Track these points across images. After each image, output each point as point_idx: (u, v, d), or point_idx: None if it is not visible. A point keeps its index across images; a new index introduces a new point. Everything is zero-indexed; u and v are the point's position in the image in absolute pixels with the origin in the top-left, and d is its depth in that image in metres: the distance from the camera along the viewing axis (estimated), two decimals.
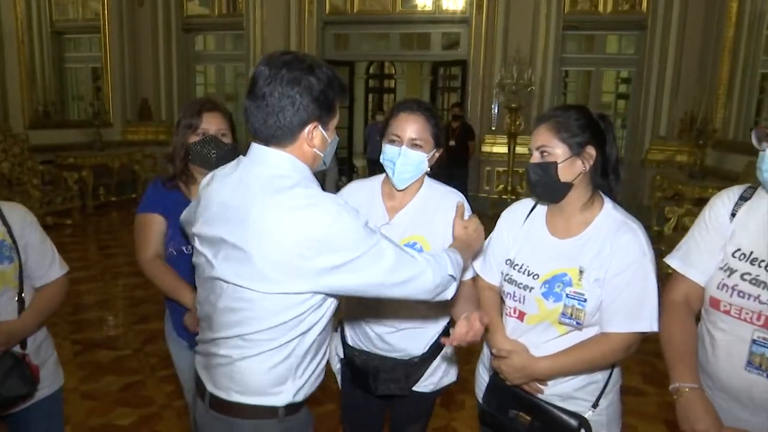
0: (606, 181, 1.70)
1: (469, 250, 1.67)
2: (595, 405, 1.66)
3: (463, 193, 7.82)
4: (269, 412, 1.44)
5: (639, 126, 9.12)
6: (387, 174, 1.90)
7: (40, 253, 2.00)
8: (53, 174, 8.33)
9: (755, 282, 1.41)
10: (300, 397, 1.48)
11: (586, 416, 1.64)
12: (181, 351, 2.29)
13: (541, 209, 1.80)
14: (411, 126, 1.83)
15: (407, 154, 1.83)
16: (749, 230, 1.48)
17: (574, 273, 1.61)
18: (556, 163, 1.62)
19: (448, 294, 1.48)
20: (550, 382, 1.67)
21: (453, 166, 9.04)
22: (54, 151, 8.55)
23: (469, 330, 1.49)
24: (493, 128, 9.49)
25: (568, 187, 1.64)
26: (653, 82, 8.83)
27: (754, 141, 1.42)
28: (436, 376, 1.99)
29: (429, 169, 1.89)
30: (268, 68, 1.35)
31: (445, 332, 1.95)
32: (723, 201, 1.57)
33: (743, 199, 1.54)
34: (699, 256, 1.57)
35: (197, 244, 1.49)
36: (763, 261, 1.42)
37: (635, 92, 9.42)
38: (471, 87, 9.58)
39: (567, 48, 9.61)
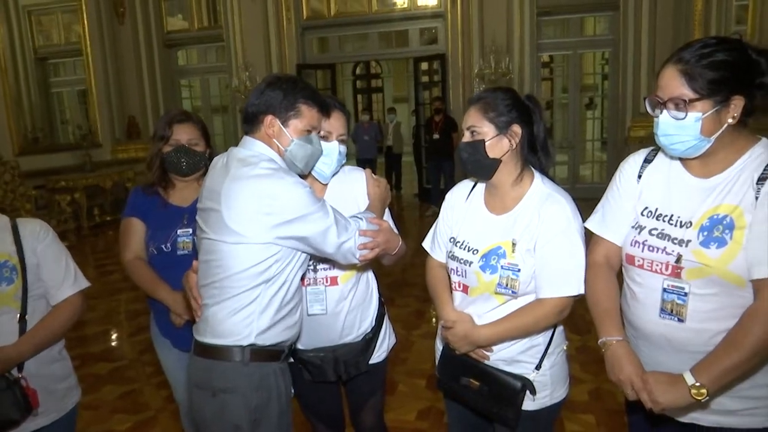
0: (536, 157, 1.82)
1: (383, 203, 2.02)
2: (538, 367, 1.77)
3: (450, 182, 7.96)
4: (236, 353, 1.68)
5: (619, 104, 9.23)
6: (312, 172, 1.95)
7: (50, 272, 1.97)
8: (46, 198, 8.49)
9: (661, 236, 1.52)
10: (262, 341, 1.69)
11: (529, 378, 1.75)
12: (166, 350, 2.42)
13: (480, 189, 1.91)
14: (338, 122, 1.95)
15: (341, 150, 1.96)
16: (653, 189, 1.60)
17: (508, 245, 1.73)
18: (483, 141, 1.74)
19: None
20: (495, 348, 1.78)
21: (439, 158, 9.17)
22: (45, 175, 8.71)
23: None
24: None
25: (496, 163, 1.75)
26: (630, 60, 8.96)
27: (648, 108, 1.53)
28: (385, 343, 2.14)
29: None
30: None
31: (381, 305, 2.13)
32: (630, 164, 1.69)
33: (647, 161, 1.65)
34: (613, 218, 1.68)
35: (197, 217, 1.79)
36: (666, 216, 1.53)
37: (613, 71, 9.53)
38: (452, 80, 9.70)
39: (543, 33, 9.73)
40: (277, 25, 10.09)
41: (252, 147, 1.74)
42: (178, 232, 2.31)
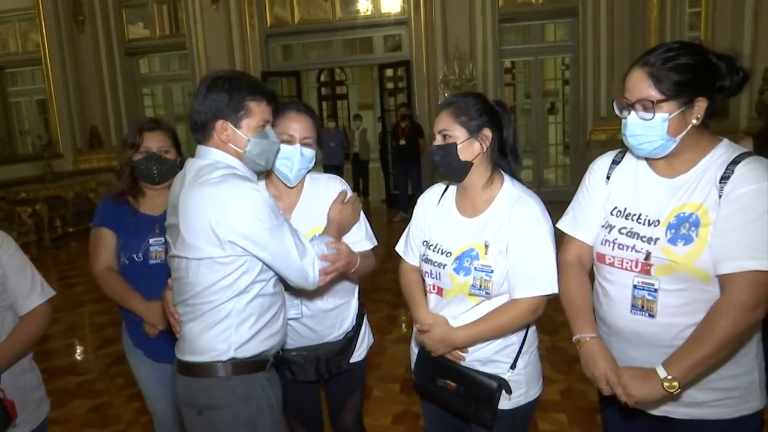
0: (506, 161, 1.87)
1: (341, 230, 1.96)
2: (513, 366, 1.81)
3: (417, 187, 8.03)
4: (216, 369, 1.64)
5: (580, 109, 9.44)
6: (277, 174, 1.98)
7: (17, 281, 1.93)
8: (6, 210, 8.27)
9: (630, 234, 1.58)
10: (242, 354, 1.64)
11: (505, 377, 1.79)
12: (139, 361, 2.40)
13: (451, 193, 1.94)
14: (301, 125, 1.96)
15: (304, 153, 1.96)
16: (622, 189, 1.66)
17: (481, 247, 1.76)
18: (455, 144, 1.77)
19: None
20: (470, 349, 1.81)
21: (406, 163, 9.24)
22: (4, 187, 8.48)
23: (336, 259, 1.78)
24: None
25: (468, 166, 1.79)
26: (590, 65, 9.19)
27: (617, 110, 1.59)
28: (365, 343, 2.18)
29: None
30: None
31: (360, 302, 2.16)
32: (599, 166, 1.75)
33: (615, 162, 1.71)
34: (584, 218, 1.74)
35: (166, 234, 1.74)
36: (635, 215, 1.59)
37: (574, 77, 9.75)
38: (417, 86, 9.80)
39: (505, 40, 9.89)
40: (241, 33, 10.05)
41: (207, 155, 1.68)
42: (150, 241, 2.28)
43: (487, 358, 1.81)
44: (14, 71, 10.70)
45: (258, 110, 1.70)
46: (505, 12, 9.46)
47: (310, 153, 1.98)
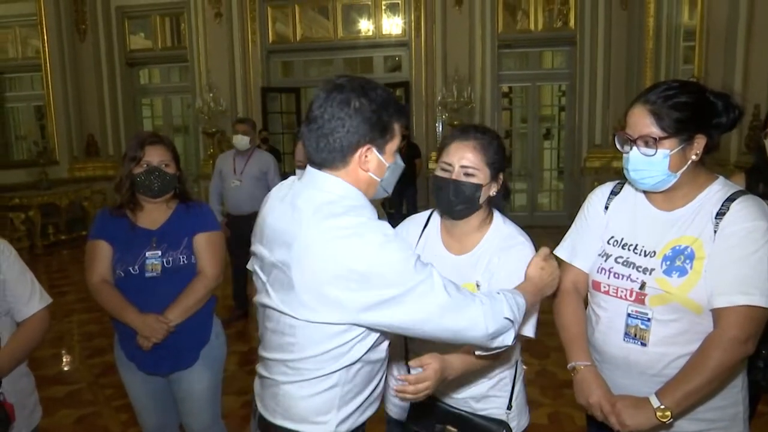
0: (498, 199, 1.81)
1: (538, 294, 1.61)
2: (509, 407, 1.78)
3: (413, 209, 7.96)
4: None
5: (576, 136, 9.54)
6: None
7: (17, 287, 1.95)
8: None
9: (626, 263, 1.62)
10: (344, 428, 1.45)
11: (504, 419, 1.75)
12: (130, 373, 2.40)
13: (434, 225, 1.88)
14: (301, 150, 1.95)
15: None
16: (619, 219, 1.70)
17: (472, 287, 1.71)
18: (481, 186, 1.70)
19: (507, 340, 1.41)
20: (464, 387, 1.77)
21: (402, 183, 9.27)
22: None
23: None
24: (439, 145, 9.75)
25: (479, 207, 1.74)
26: (586, 93, 9.31)
27: (618, 145, 1.63)
28: None
29: None
30: (323, 92, 1.38)
31: None
32: (598, 196, 1.79)
33: (614, 193, 1.76)
34: (582, 246, 1.77)
35: (255, 265, 1.52)
36: (632, 245, 1.64)
37: (570, 104, 9.87)
38: (415, 107, 9.86)
39: (504, 65, 10.01)
40: (242, 48, 10.10)
41: (329, 186, 1.39)
42: (147, 254, 2.30)
43: (482, 394, 1.79)
44: (13, 76, 10.72)
45: (398, 132, 1.45)
46: (504, 38, 9.58)
47: None
